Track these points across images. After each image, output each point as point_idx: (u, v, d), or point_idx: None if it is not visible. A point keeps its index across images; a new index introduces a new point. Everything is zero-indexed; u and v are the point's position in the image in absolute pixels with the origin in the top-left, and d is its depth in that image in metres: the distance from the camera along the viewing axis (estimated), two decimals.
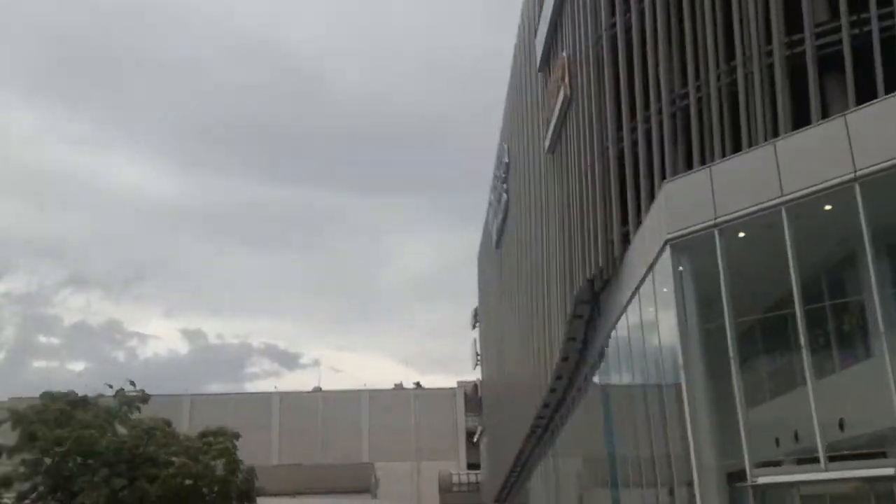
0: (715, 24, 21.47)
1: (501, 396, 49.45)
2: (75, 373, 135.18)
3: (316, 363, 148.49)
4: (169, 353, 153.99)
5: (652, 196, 22.68)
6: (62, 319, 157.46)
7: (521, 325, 38.97)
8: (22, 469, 27.52)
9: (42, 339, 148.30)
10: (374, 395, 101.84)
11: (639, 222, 23.02)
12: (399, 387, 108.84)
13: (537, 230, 33.28)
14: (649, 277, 20.23)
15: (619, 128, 24.12)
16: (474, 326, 69.00)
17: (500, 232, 47.31)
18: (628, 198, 23.59)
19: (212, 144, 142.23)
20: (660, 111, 22.54)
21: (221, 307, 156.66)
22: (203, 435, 30.81)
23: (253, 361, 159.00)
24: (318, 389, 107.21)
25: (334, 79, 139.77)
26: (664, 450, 19.72)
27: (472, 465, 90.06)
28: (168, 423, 31.28)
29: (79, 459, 27.85)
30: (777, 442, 17.23)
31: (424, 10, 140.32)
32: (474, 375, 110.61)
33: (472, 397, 74.01)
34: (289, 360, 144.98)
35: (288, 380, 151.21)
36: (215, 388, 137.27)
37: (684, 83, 22.16)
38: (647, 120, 22.98)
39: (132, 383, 31.44)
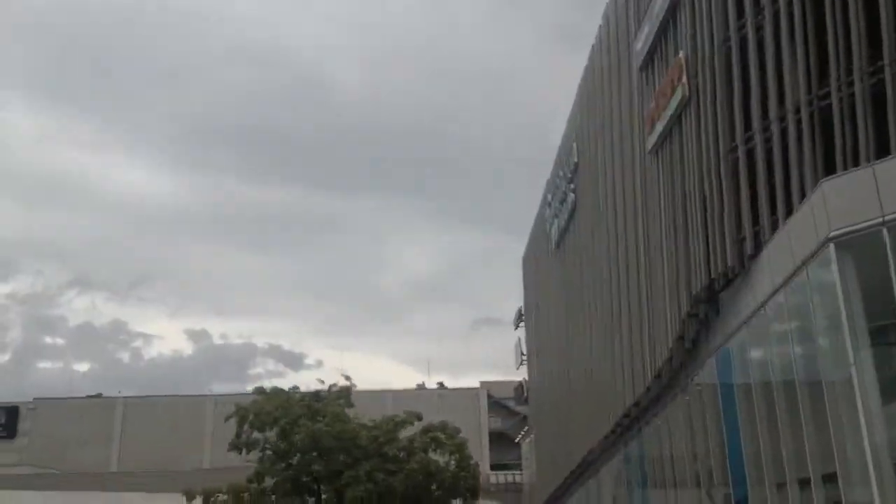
0: (859, 24, 21.61)
1: (562, 397, 49.53)
2: (80, 373, 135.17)
3: (320, 364, 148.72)
4: (173, 353, 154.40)
5: (788, 195, 22.86)
6: (67, 320, 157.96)
7: (600, 325, 39.06)
8: (269, 463, 27.67)
9: (47, 339, 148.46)
10: (398, 395, 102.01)
11: (773, 221, 23.18)
12: (421, 387, 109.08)
13: (631, 229, 33.38)
14: (801, 275, 20.36)
15: (748, 127, 24.27)
16: (517, 327, 69.11)
17: (563, 232, 47.42)
18: (759, 197, 23.74)
19: (214, 146, 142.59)
20: (797, 110, 22.68)
21: (225, 308, 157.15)
22: (426, 430, 30.97)
23: (257, 362, 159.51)
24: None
25: (334, 80, 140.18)
26: (819, 447, 19.84)
27: (495, 466, 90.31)
28: (419, 417, 31.68)
29: (341, 456, 28.01)
30: None
31: (425, 12, 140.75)
32: (495, 375, 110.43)
33: (515, 397, 74.14)
34: (293, 361, 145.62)
35: (293, 380, 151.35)
36: (220, 388, 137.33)
37: (823, 83, 22.31)
38: (782, 119, 23.12)
39: (348, 377, 32.01)
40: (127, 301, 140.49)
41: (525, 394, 66.74)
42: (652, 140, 29.66)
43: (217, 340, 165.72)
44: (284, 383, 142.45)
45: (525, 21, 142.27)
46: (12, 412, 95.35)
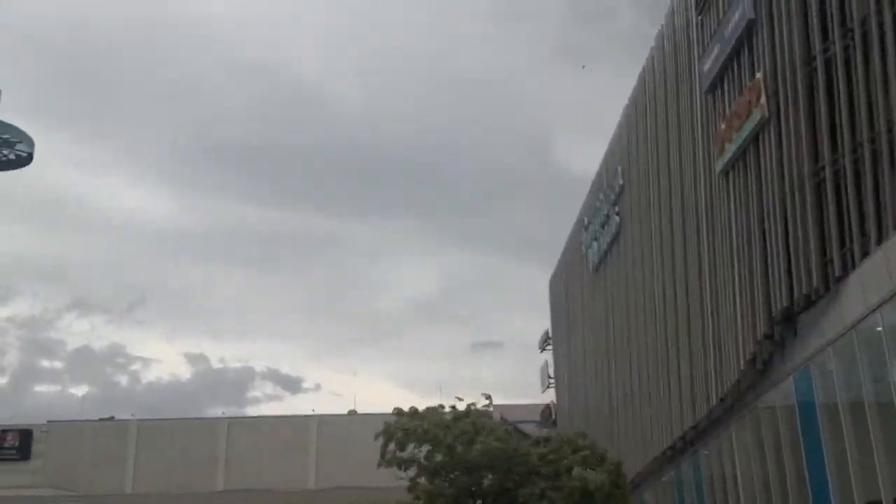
0: None
1: (600, 420, 49.36)
2: (78, 397, 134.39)
3: (318, 387, 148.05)
4: (171, 377, 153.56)
5: (879, 217, 22.83)
6: (65, 344, 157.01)
7: (651, 348, 38.96)
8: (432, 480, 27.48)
9: (45, 363, 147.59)
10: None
11: (863, 243, 23.16)
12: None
13: (693, 251, 33.36)
14: None
15: (835, 149, 24.31)
16: (542, 350, 69.06)
17: (604, 255, 47.43)
18: (848, 219, 23.74)
19: (211, 166, 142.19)
20: (890, 130, 22.71)
21: (223, 331, 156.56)
22: (567, 442, 30.78)
23: (255, 385, 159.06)
24: (353, 412, 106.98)
25: (334, 100, 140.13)
26: None
27: None
28: (584, 436, 31.66)
29: (512, 474, 27.86)
30: None
31: (426, 29, 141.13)
32: (498, 398, 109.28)
33: (542, 420, 73.82)
34: (291, 384, 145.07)
35: (290, 404, 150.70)
36: (216, 411, 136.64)
37: None
38: (872, 140, 23.15)
39: (488, 396, 32.20)
40: (125, 324, 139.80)
41: (553, 416, 66.44)
42: (722, 161, 29.69)
43: (215, 364, 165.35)
44: (282, 408, 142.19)
45: (526, 37, 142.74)
46: (26, 435, 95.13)
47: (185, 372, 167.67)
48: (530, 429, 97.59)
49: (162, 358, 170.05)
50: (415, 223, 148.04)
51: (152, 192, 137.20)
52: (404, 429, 28.26)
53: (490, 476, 28.82)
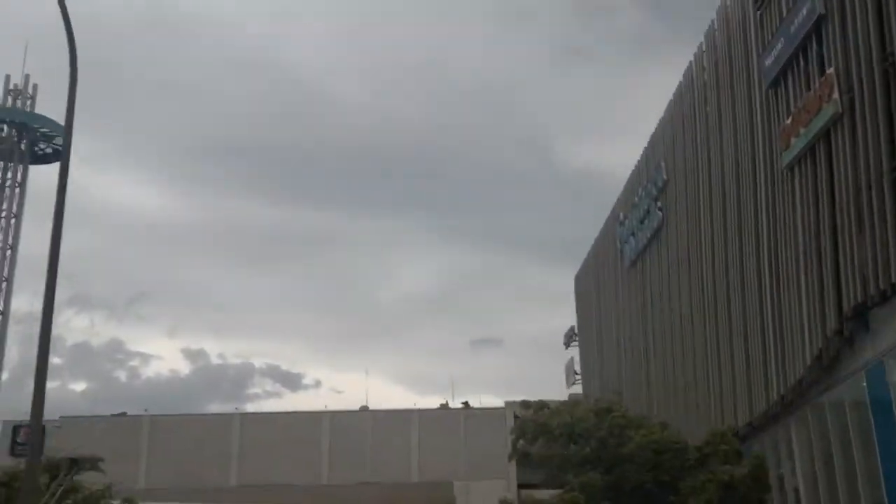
0: None
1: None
2: (77, 392, 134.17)
3: (318, 384, 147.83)
4: (171, 373, 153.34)
5: None
6: (65, 339, 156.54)
7: (699, 343, 38.82)
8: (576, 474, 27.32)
9: None
10: (423, 414, 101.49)
11: None
12: (445, 406, 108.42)
13: (751, 247, 33.20)
14: None
15: None
16: (567, 346, 68.87)
17: (643, 250, 47.29)
18: None
19: (212, 163, 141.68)
20: None
21: (223, 327, 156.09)
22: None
23: (255, 382, 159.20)
24: (364, 408, 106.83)
25: (336, 97, 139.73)
26: None
27: (522, 486, 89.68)
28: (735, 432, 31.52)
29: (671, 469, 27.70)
30: None
31: (429, 29, 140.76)
32: (503, 395, 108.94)
33: None
34: (291, 381, 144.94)
35: (290, 401, 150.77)
36: (216, 408, 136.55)
37: None
38: None
39: (619, 393, 32.00)
40: (125, 320, 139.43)
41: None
42: (789, 156, 29.52)
43: (214, 360, 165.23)
44: (281, 404, 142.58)
45: (528, 36, 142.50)
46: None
47: (184, 368, 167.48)
48: None
49: (161, 354, 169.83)
50: (415, 220, 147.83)
51: (153, 188, 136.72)
52: (539, 423, 28.11)
53: (643, 470, 28.74)
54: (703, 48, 38.71)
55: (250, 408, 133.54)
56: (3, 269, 45.78)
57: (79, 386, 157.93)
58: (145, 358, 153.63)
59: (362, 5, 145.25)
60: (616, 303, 53.86)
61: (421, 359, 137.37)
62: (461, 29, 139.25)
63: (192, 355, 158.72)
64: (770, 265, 31.68)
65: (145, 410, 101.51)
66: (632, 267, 49.79)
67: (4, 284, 45.68)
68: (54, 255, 15.23)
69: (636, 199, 48.67)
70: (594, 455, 28.69)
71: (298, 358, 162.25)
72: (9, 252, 46.11)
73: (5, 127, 48.32)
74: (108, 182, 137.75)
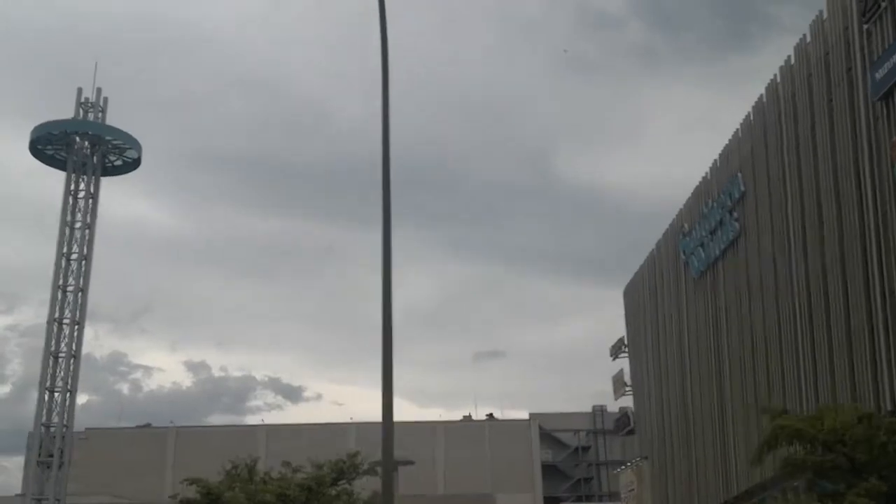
0: None
1: (705, 427, 49.38)
2: (79, 406, 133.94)
3: (319, 397, 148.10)
4: (173, 385, 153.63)
5: None
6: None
7: (788, 354, 38.91)
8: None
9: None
10: (449, 426, 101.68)
11: None
12: (468, 418, 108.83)
13: (858, 260, 33.33)
14: None
15: None
16: (615, 357, 68.94)
17: (715, 262, 47.52)
18: None
19: (212, 176, 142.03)
20: None
21: (225, 340, 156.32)
22: None
23: (256, 394, 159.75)
24: None
25: (337, 110, 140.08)
26: None
27: (548, 500, 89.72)
28: None
29: None
30: None
31: (430, 41, 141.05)
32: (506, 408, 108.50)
33: (616, 427, 73.82)
34: (292, 394, 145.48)
35: (291, 413, 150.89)
36: (216, 420, 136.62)
37: None
38: None
39: None
40: (128, 333, 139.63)
41: (631, 424, 66.38)
42: None
43: (217, 373, 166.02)
44: (283, 416, 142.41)
45: (531, 48, 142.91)
46: None
47: (186, 380, 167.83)
48: (567, 437, 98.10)
49: (164, 366, 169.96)
50: (416, 233, 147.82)
51: (156, 202, 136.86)
52: (795, 429, 27.81)
53: None
54: (792, 61, 38.88)
55: (251, 420, 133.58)
56: (78, 279, 45.84)
57: (81, 398, 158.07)
58: (147, 370, 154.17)
59: (364, 17, 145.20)
60: (678, 314, 53.97)
61: (423, 372, 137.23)
62: (464, 42, 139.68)
63: (194, 367, 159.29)
64: (880, 278, 31.76)
65: (171, 422, 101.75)
66: (699, 277, 49.94)
67: (80, 295, 45.71)
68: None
69: (704, 209, 48.85)
70: (867, 461, 28.05)
71: (299, 371, 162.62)
72: (83, 262, 46.15)
73: (77, 139, 48.36)
74: (110, 194, 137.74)
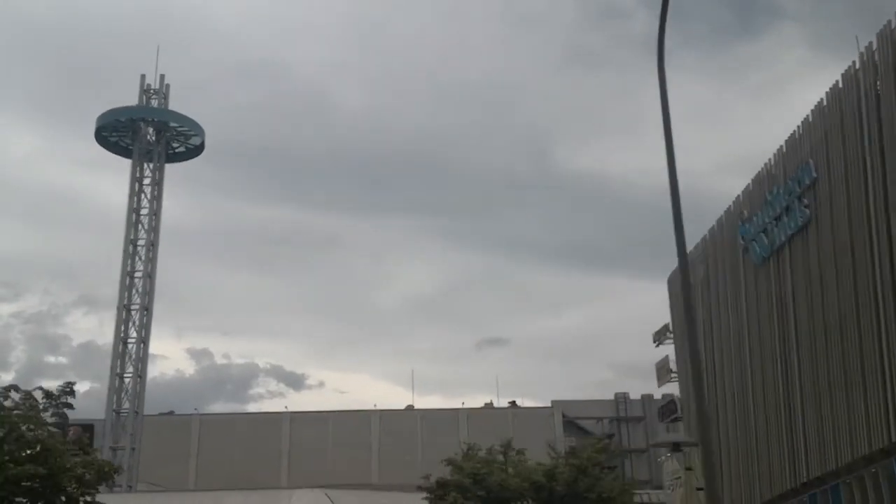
0: None
1: (768, 417, 49.56)
2: (81, 392, 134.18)
3: (321, 384, 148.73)
4: (176, 373, 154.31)
5: None
6: (71, 339, 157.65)
7: (867, 346, 38.99)
8: None
9: (50, 358, 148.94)
10: (471, 413, 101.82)
11: None
12: (490, 406, 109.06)
13: None
14: None
15: None
16: (659, 345, 69.12)
17: (780, 248, 47.62)
18: None
19: (214, 165, 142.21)
20: None
21: (228, 328, 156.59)
22: None
23: (259, 382, 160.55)
24: (410, 407, 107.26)
25: (338, 100, 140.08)
26: None
27: None
28: None
29: None
30: None
31: (432, 31, 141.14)
32: (510, 396, 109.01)
33: (662, 414, 74.01)
34: (295, 381, 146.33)
35: (294, 401, 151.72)
36: (220, 407, 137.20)
37: None
38: None
39: None
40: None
41: (678, 412, 66.56)
42: None
43: (219, 360, 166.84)
44: (286, 404, 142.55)
45: (534, 39, 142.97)
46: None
47: (188, 368, 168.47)
48: (590, 425, 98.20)
49: (167, 354, 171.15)
50: (417, 222, 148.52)
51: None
52: None
53: None
54: (875, 47, 38.87)
55: (252, 408, 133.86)
56: (147, 266, 45.94)
57: (83, 386, 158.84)
58: (151, 358, 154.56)
59: (365, 7, 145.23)
60: (736, 300, 54.03)
61: (424, 360, 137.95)
62: (465, 32, 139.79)
63: (196, 355, 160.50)
64: None
65: (195, 409, 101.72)
66: (761, 264, 50.01)
67: (148, 280, 45.79)
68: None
69: (768, 196, 48.90)
70: None
71: (301, 359, 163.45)
72: (151, 247, 46.24)
73: (142, 125, 48.33)
74: (113, 183, 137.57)
